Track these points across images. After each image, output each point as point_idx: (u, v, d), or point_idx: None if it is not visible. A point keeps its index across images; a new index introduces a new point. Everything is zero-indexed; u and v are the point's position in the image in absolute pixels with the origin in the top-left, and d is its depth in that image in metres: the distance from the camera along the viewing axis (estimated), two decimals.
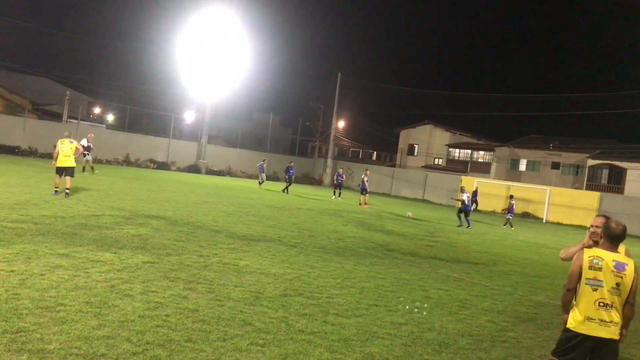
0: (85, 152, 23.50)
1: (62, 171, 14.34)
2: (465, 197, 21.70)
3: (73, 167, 14.67)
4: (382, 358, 5.14)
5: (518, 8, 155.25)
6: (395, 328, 6.13)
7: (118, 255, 7.84)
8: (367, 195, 26.95)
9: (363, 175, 27.40)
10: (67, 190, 14.08)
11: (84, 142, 23.60)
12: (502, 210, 26.53)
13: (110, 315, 5.24)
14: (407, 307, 7.05)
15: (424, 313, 6.95)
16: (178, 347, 4.68)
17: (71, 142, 14.76)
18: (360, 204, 26.10)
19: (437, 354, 5.49)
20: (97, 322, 5.00)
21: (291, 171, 29.59)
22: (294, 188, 33.03)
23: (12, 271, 6.30)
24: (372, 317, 6.47)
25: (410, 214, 22.57)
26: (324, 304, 6.76)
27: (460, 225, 21.65)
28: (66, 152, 14.53)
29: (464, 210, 21.68)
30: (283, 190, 28.53)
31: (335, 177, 31.11)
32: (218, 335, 5.11)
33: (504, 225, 25.55)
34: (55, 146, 14.92)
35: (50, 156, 30.17)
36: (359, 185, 27.67)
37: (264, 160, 32.01)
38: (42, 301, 5.38)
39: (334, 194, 29.80)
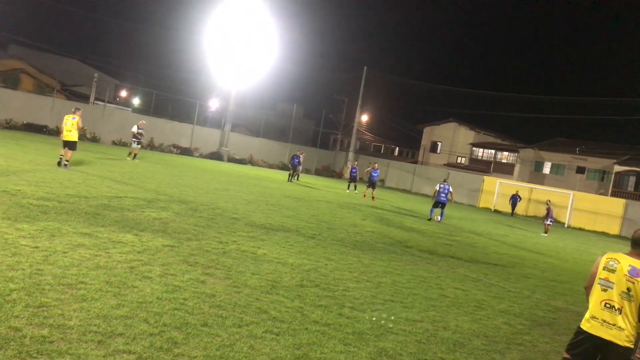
0: (135, 139, 23.63)
1: (65, 144, 15.75)
2: (439, 187, 20.33)
3: (74, 141, 15.91)
4: (396, 354, 5.14)
5: (550, 8, 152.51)
6: (410, 325, 6.12)
7: (139, 238, 7.94)
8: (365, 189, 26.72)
9: (369, 168, 27.12)
10: (66, 162, 15.42)
11: (134, 128, 23.75)
12: (544, 218, 25.46)
13: (129, 296, 5.32)
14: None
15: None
16: (194, 330, 4.74)
17: (74, 119, 16.04)
18: (364, 195, 26.05)
19: (451, 353, 5.47)
20: (116, 302, 5.08)
21: (296, 160, 29.41)
22: (313, 180, 33.11)
23: (36, 247, 6.43)
24: (388, 312, 6.46)
25: (439, 217, 21.27)
26: (339, 296, 6.77)
27: (438, 220, 20.13)
28: (68, 127, 15.91)
29: (439, 202, 20.22)
30: (289, 180, 28.61)
31: (350, 171, 31.09)
32: (234, 321, 5.16)
33: (544, 233, 24.23)
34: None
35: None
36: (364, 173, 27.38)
37: (301, 154, 32.26)
38: (64, 278, 5.49)
39: (348, 187, 29.73)
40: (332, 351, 4.88)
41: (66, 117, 16.17)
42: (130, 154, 23.81)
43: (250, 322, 5.22)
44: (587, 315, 4.24)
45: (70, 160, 15.75)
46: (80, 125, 16.12)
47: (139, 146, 24.10)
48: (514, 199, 34.72)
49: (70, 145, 15.74)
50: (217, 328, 4.90)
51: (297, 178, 31.62)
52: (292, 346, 4.81)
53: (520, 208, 36.27)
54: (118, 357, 3.96)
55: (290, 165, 29.48)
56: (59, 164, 15.46)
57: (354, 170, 30.15)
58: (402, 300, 7.14)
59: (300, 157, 29.85)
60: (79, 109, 16.71)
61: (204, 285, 6.13)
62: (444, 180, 21.49)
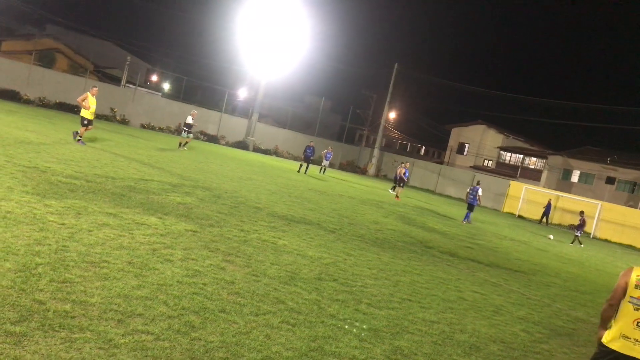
0: (186, 128, 23.81)
1: None
2: (469, 189, 21.87)
3: (80, 116, 16.98)
4: (411, 353, 5.12)
5: (588, 14, 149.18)
6: (426, 325, 6.09)
7: (163, 221, 8.05)
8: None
9: (402, 167, 26.80)
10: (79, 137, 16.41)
11: (189, 119, 23.91)
12: (570, 225, 25.67)
13: (150, 278, 5.40)
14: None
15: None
16: (212, 316, 4.79)
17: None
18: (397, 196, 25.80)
19: (467, 356, 5.42)
20: (137, 283, 5.16)
21: (308, 151, 28.95)
22: (337, 174, 33.01)
23: (63, 224, 6.56)
24: (405, 311, 6.43)
25: (552, 236, 23.58)
26: (357, 292, 6.77)
27: (466, 221, 21.28)
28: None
29: (468, 204, 21.68)
30: (299, 170, 28.03)
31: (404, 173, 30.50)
32: (251, 309, 5.19)
33: (572, 242, 23.69)
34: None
35: (106, 118, 31.41)
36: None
37: (329, 149, 32.21)
38: (88, 256, 5.59)
39: (394, 189, 29.51)
40: (347, 346, 4.88)
41: None
42: (181, 144, 23.85)
43: (268, 311, 5.25)
44: (614, 334, 4.08)
45: (81, 135, 16.48)
46: (79, 100, 17.26)
47: (191, 136, 24.26)
48: (549, 208, 33.49)
49: None
50: (234, 315, 4.94)
51: (324, 172, 31.55)
52: (307, 338, 4.82)
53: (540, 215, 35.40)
54: (137, 337, 4.02)
55: (302, 157, 29.08)
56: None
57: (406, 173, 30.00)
58: (419, 301, 7.10)
59: (312, 147, 29.32)
60: (94, 87, 18.01)
61: (224, 272, 6.19)
62: (477, 183, 22.21)
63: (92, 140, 17.46)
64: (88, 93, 17.11)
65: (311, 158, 28.91)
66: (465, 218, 21.44)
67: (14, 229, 5.90)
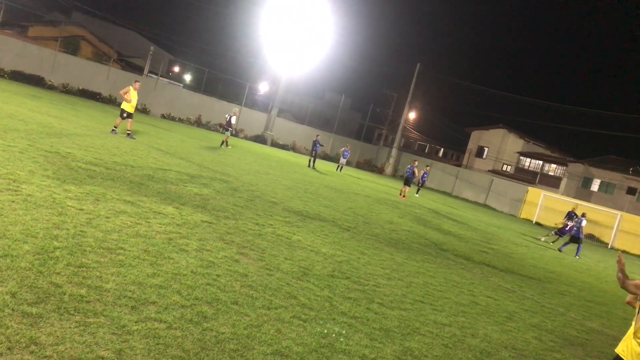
0: (228, 127, 24.19)
1: None
2: (577, 222, 20.43)
3: (120, 108, 17.15)
4: (421, 355, 5.09)
5: (616, 20, 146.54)
6: (438, 328, 6.05)
7: (179, 211, 8.10)
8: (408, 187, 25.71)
9: (414, 167, 26.11)
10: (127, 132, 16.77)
11: (234, 120, 24.40)
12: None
13: (165, 266, 5.44)
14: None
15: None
16: (224, 307, 4.81)
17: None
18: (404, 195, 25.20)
19: None
20: (152, 271, 5.21)
21: (317, 145, 28.87)
22: (354, 173, 32.90)
23: (81, 209, 6.65)
24: (416, 313, 6.40)
25: (543, 238, 22.96)
26: (369, 291, 6.75)
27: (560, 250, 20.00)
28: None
29: (573, 237, 20.19)
30: (308, 166, 27.89)
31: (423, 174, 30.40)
32: (263, 302, 5.21)
33: (553, 242, 22.51)
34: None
35: None
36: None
37: (347, 146, 32.24)
38: (104, 242, 5.66)
39: (418, 191, 29.65)
40: (358, 344, 4.87)
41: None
42: (223, 142, 24.24)
43: (279, 305, 5.27)
44: (636, 349, 3.97)
45: (118, 127, 16.87)
46: (121, 93, 17.23)
47: (230, 134, 24.72)
48: (570, 216, 32.29)
49: None
50: (246, 307, 4.96)
51: (341, 169, 31.57)
52: (318, 334, 4.83)
53: (559, 221, 34.59)
54: (149, 324, 4.06)
55: (312, 152, 28.94)
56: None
57: (425, 175, 29.96)
58: (432, 303, 7.07)
59: (319, 142, 29.13)
60: (137, 81, 18.05)
61: (238, 264, 6.22)
62: (582, 215, 21.15)
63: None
64: (130, 87, 17.20)
65: (317, 152, 28.77)
66: (576, 252, 19.71)
67: (34, 212, 5.99)
